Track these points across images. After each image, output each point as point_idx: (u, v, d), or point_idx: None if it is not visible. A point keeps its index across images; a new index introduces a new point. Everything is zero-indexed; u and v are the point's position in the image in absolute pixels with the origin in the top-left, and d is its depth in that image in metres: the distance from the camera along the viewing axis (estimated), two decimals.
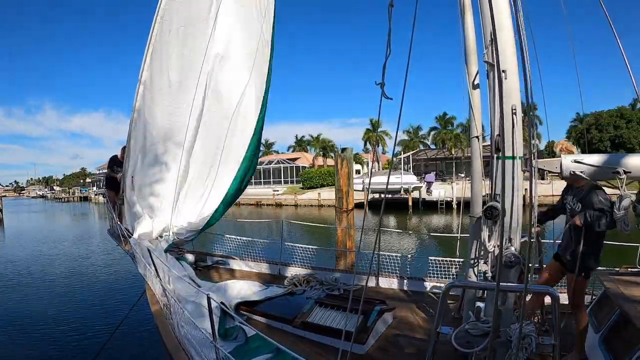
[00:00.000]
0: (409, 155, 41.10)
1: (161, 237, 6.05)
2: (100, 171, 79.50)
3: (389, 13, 2.47)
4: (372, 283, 5.56)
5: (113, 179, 7.88)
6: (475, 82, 3.40)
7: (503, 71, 2.66)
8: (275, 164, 53.01)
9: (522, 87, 2.81)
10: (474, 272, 3.27)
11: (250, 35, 6.09)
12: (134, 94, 6.00)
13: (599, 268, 4.55)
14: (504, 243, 2.55)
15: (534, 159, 2.26)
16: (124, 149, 8.08)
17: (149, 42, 5.74)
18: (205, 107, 6.18)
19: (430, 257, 5.70)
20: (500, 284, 1.83)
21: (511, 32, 2.84)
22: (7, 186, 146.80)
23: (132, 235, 5.82)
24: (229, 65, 6.12)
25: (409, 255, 6.26)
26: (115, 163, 8.00)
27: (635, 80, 2.62)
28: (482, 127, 3.72)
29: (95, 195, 69.53)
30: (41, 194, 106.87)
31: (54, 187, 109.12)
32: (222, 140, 6.35)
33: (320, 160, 54.32)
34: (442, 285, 5.07)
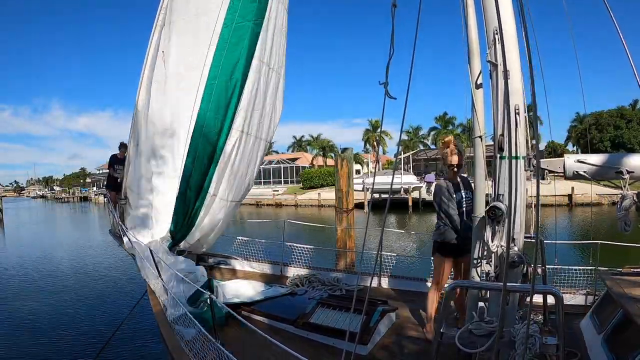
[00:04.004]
0: (409, 155, 41.08)
1: (163, 237, 6.02)
2: (101, 171, 79.48)
3: (392, 13, 2.47)
4: (374, 283, 5.56)
5: (114, 179, 7.89)
6: (478, 82, 3.39)
7: (506, 71, 2.65)
8: (275, 164, 53.04)
9: (526, 86, 2.81)
10: (477, 272, 3.26)
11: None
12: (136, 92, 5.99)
13: (601, 268, 4.56)
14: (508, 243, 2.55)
15: (538, 158, 2.25)
16: (121, 145, 8.09)
17: (150, 40, 5.74)
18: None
19: (432, 257, 5.68)
20: (506, 284, 1.82)
21: (514, 32, 2.84)
22: (7, 186, 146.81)
23: (134, 235, 5.81)
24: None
25: (411, 256, 6.26)
26: (116, 162, 8.01)
27: (638, 79, 2.61)
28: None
29: (95, 195, 69.49)
30: (41, 194, 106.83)
31: (54, 187, 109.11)
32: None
33: (320, 160, 54.33)
34: (445, 285, 5.06)
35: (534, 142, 2.97)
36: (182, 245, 6.16)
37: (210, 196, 5.78)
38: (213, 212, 6.00)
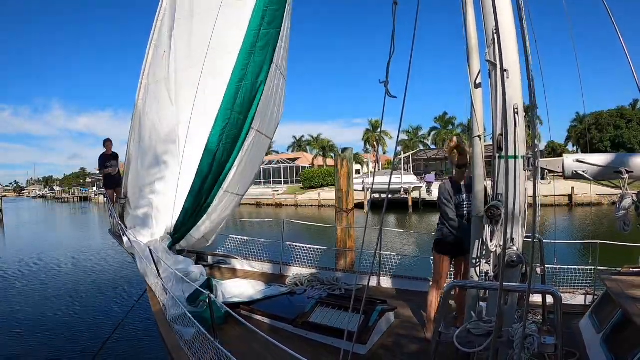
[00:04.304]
0: (409, 155, 41.07)
1: (163, 236, 6.02)
2: (100, 172, 79.50)
3: (393, 11, 2.46)
4: (373, 283, 5.56)
5: (110, 177, 7.90)
6: (477, 82, 3.39)
7: (505, 70, 2.65)
8: (275, 164, 53.03)
9: (524, 86, 2.81)
10: (476, 272, 3.26)
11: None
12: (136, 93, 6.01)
13: (601, 268, 4.56)
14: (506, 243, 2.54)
15: (537, 158, 2.26)
16: (106, 141, 8.12)
17: (150, 40, 5.75)
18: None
19: (432, 257, 5.68)
20: (503, 283, 1.82)
21: (513, 31, 2.84)
22: (7, 186, 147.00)
23: (134, 234, 5.81)
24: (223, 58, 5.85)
25: (411, 255, 6.26)
26: (106, 160, 8.02)
27: (637, 79, 2.61)
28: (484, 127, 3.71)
29: (95, 195, 69.53)
30: (41, 194, 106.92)
31: (54, 187, 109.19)
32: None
33: (320, 160, 54.34)
34: (444, 284, 5.06)
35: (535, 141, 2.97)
36: (185, 241, 6.18)
37: (223, 192, 5.96)
38: (223, 207, 6.15)
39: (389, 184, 2.71)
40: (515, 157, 2.77)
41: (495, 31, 2.72)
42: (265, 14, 5.44)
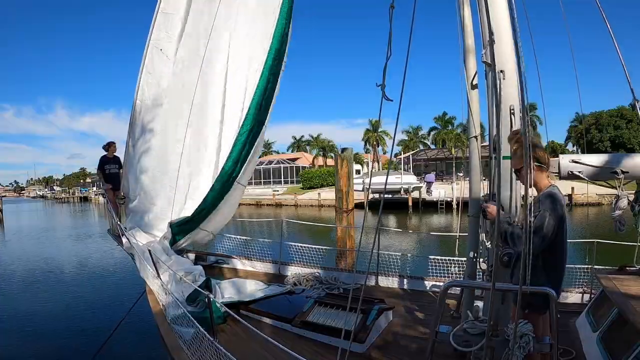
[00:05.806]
0: (409, 155, 41.11)
1: (164, 236, 6.04)
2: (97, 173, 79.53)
3: (390, 14, 2.48)
4: (371, 282, 5.58)
5: (111, 178, 7.91)
6: (474, 83, 3.42)
7: (501, 71, 2.68)
8: (275, 164, 53.00)
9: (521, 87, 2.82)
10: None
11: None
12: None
13: (597, 267, 4.58)
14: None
15: (529, 158, 2.27)
16: (108, 144, 8.11)
17: (148, 39, 5.78)
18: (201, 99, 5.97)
19: (430, 257, 5.71)
20: (496, 283, 1.84)
21: (509, 33, 2.86)
22: (7, 186, 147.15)
23: (133, 234, 5.83)
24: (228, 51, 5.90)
25: (409, 255, 6.28)
26: (106, 162, 8.02)
27: (631, 82, 2.63)
28: (481, 127, 3.74)
29: (95, 195, 69.54)
30: (41, 194, 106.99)
31: (54, 187, 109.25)
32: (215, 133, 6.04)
33: (320, 160, 54.34)
34: (442, 284, 5.08)
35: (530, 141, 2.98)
36: (190, 235, 6.11)
37: (236, 183, 5.87)
38: (233, 199, 6.06)
39: (385, 184, 2.73)
40: (510, 157, 2.79)
41: (490, 32, 2.74)
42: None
